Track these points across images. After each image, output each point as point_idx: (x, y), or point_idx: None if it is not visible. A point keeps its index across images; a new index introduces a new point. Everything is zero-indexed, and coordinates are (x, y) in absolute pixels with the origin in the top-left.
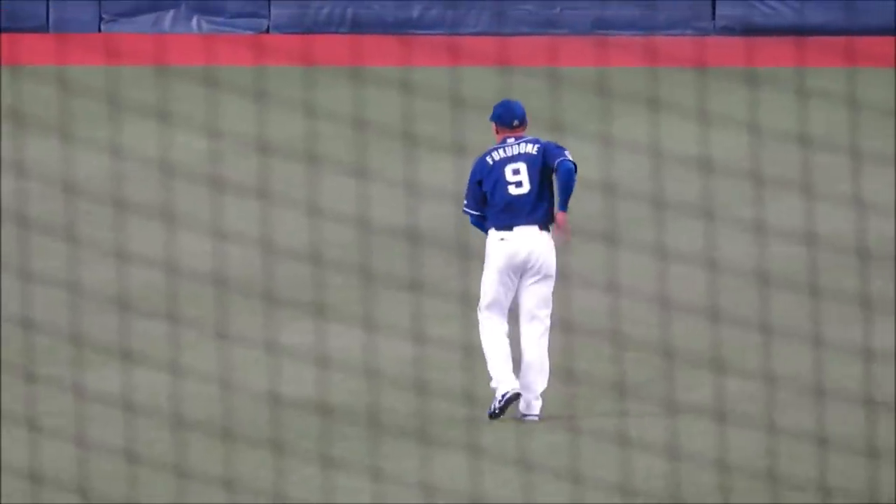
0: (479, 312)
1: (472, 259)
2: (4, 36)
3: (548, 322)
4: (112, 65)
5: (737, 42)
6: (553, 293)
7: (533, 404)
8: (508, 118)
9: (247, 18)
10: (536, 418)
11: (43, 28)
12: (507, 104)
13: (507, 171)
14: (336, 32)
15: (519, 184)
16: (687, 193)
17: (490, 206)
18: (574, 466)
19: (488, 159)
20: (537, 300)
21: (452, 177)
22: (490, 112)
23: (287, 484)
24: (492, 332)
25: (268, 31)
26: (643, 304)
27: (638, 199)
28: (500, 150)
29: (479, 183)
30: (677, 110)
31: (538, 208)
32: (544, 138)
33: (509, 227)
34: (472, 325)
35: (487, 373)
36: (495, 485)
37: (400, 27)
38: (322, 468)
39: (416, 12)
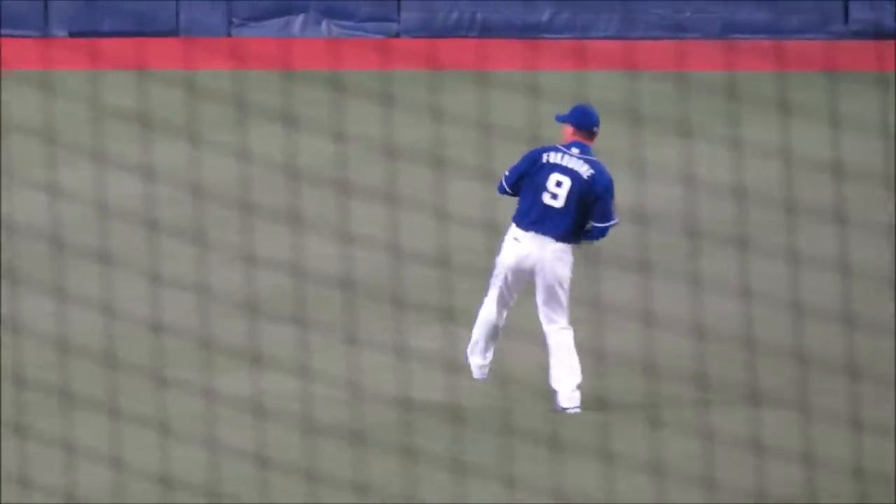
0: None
1: (604, 265)
2: (133, 40)
3: (565, 323)
4: (239, 69)
5: (869, 46)
6: (570, 299)
7: (572, 396)
8: (588, 124)
9: (376, 23)
10: (578, 409)
11: (173, 32)
12: (587, 110)
13: (552, 179)
14: (464, 36)
15: (555, 196)
16: (819, 198)
17: (520, 200)
18: (707, 473)
19: (544, 157)
20: (553, 303)
21: None
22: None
23: (418, 489)
24: (486, 312)
25: (397, 35)
26: (775, 309)
27: (768, 203)
28: (558, 155)
29: (522, 175)
30: (807, 114)
31: (560, 225)
32: (672, 144)
33: (527, 230)
34: (604, 330)
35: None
36: (627, 489)
37: (529, 31)
38: (453, 473)
39: (545, 16)
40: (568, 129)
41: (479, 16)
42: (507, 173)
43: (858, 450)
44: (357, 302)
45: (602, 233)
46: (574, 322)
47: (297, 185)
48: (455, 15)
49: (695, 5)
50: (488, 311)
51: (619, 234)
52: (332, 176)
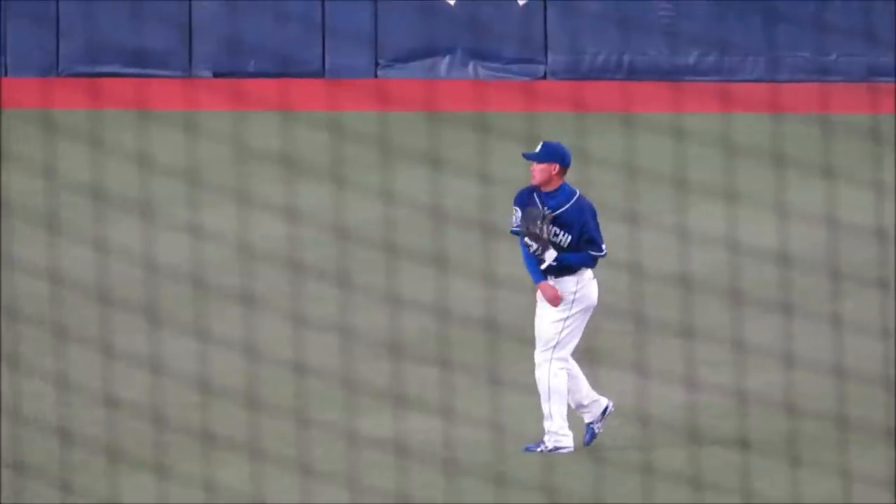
0: (544, 353)
1: (746, 305)
2: (278, 81)
3: None
4: (385, 110)
5: None
6: None
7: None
8: (570, 160)
9: (523, 64)
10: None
11: (318, 73)
12: (564, 147)
13: None
14: (611, 79)
15: None
16: None
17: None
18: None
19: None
20: None
21: (723, 224)
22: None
23: None
24: (559, 375)
25: (544, 76)
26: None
27: None
28: None
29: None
30: None
31: None
32: (817, 184)
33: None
34: (744, 370)
35: (557, 414)
36: None
37: (674, 74)
38: None
39: (692, 59)
40: (553, 167)
41: (625, 58)
42: (604, 247)
43: None
44: (501, 344)
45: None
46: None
47: (443, 226)
48: (601, 57)
49: (839, 48)
50: (558, 376)
51: (763, 275)
52: (478, 218)
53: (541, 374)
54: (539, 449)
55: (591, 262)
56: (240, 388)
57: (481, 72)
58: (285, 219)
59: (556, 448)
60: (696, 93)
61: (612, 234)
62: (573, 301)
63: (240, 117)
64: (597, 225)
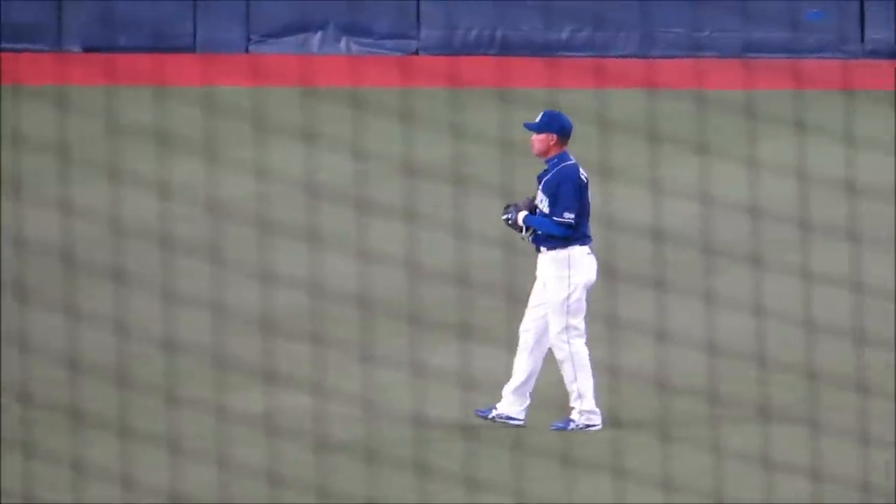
0: (560, 335)
1: (620, 281)
2: (150, 56)
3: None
4: (258, 86)
5: (885, 65)
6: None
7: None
8: (570, 130)
9: (396, 40)
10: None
11: (190, 48)
12: (565, 116)
13: (589, 192)
14: (484, 54)
15: (588, 204)
16: (833, 216)
17: (580, 222)
18: (717, 486)
19: (582, 177)
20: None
21: (598, 200)
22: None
23: None
24: (582, 350)
25: (416, 52)
26: (788, 326)
27: (784, 221)
28: (581, 169)
29: (578, 199)
30: (824, 133)
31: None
32: (691, 160)
33: (590, 244)
34: (619, 347)
35: (587, 392)
36: None
37: (548, 49)
38: (467, 490)
39: (565, 35)
40: (551, 138)
41: (499, 33)
42: (570, 214)
43: (866, 465)
44: (374, 319)
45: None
46: (590, 339)
47: (316, 202)
48: (474, 32)
49: (714, 24)
50: (582, 351)
51: (636, 251)
52: (352, 193)
53: (562, 356)
54: (571, 427)
55: (553, 227)
56: (109, 366)
57: (353, 47)
58: (157, 195)
59: (588, 426)
60: (572, 68)
61: (484, 210)
62: (569, 276)
63: (111, 92)
64: (568, 192)
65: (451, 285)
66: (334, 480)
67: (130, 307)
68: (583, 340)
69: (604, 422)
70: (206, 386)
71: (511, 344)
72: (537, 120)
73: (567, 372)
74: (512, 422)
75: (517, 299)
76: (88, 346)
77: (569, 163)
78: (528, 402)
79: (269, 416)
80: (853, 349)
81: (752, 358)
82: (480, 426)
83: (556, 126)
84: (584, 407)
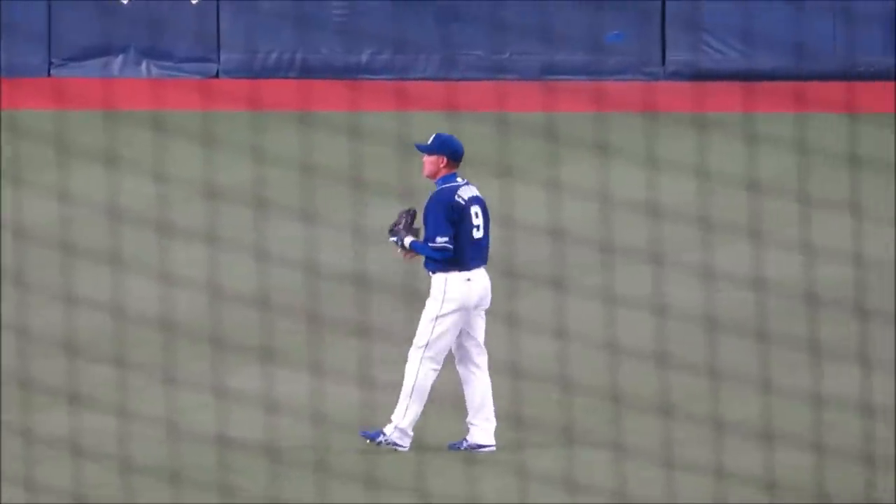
0: (417, 351)
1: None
2: None
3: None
4: (60, 109)
5: (686, 87)
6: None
7: (492, 432)
8: (461, 153)
9: (196, 63)
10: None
11: None
12: (454, 138)
13: (472, 212)
14: (285, 77)
15: (478, 227)
16: (635, 239)
17: (457, 246)
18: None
19: (458, 199)
20: (482, 332)
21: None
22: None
23: None
24: (428, 375)
25: (217, 75)
26: (591, 349)
27: (586, 244)
28: (463, 189)
29: (453, 221)
30: (626, 155)
31: (485, 252)
32: (493, 183)
33: (470, 269)
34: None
35: (411, 416)
36: None
37: (349, 72)
38: None
39: (364, 57)
40: (441, 160)
41: (298, 56)
42: (442, 238)
43: (671, 488)
44: (176, 342)
45: None
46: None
47: (118, 225)
48: (275, 55)
49: (514, 47)
50: (427, 376)
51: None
52: (153, 216)
53: (409, 370)
54: (379, 439)
55: (429, 251)
56: None
57: (154, 70)
58: None
59: (394, 444)
60: (373, 91)
61: (285, 234)
62: (443, 300)
63: None
64: (437, 216)
65: (252, 308)
66: (138, 501)
67: None
68: (434, 370)
69: (410, 447)
70: (12, 408)
71: (312, 367)
72: (429, 142)
73: (406, 385)
74: (483, 449)
75: (318, 322)
76: None
77: (445, 186)
78: (494, 424)
79: (73, 437)
80: (656, 371)
81: (556, 381)
82: (283, 447)
83: (447, 149)
84: (402, 425)
